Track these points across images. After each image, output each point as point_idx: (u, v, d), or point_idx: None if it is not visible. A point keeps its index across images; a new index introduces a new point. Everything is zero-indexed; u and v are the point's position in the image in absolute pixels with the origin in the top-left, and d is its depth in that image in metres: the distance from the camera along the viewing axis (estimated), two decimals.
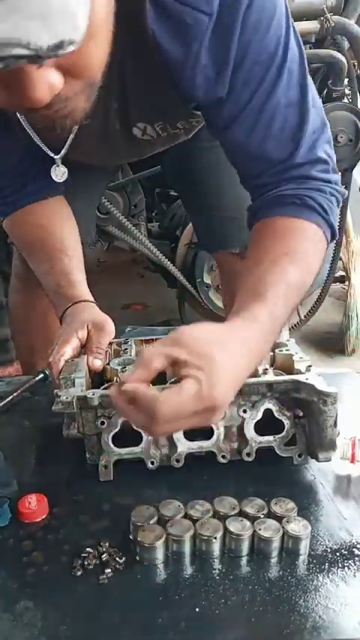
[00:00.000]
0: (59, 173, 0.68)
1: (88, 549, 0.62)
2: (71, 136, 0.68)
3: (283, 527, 0.62)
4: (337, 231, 0.76)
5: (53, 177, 0.68)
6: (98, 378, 0.84)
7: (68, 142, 0.68)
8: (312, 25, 1.68)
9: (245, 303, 0.65)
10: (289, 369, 0.78)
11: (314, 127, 0.74)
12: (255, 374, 0.77)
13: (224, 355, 0.56)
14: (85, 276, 0.93)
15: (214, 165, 1.10)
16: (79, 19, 0.47)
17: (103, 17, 0.52)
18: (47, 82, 0.49)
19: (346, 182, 1.83)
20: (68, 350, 0.79)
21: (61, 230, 0.94)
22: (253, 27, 0.66)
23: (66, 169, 0.66)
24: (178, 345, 0.56)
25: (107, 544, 0.63)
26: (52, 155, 0.64)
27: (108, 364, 0.82)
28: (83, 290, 0.90)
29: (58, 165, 0.66)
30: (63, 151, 0.66)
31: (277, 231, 0.73)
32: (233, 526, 0.62)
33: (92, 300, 0.88)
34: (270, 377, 0.74)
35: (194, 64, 0.67)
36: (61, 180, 0.69)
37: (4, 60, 0.44)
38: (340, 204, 0.77)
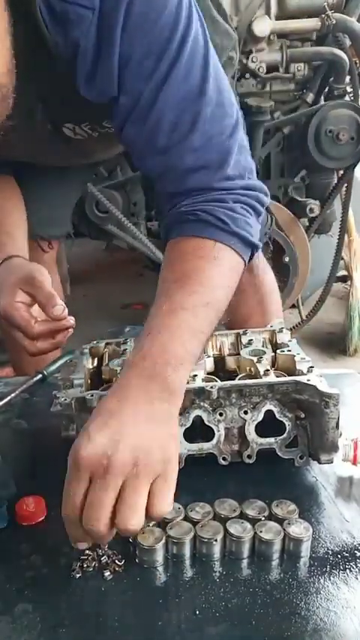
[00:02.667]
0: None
1: (87, 552, 0.62)
2: None
3: (284, 529, 0.61)
4: (251, 239, 0.71)
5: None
6: (97, 379, 0.84)
7: None
8: (313, 23, 1.68)
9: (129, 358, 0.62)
10: (290, 369, 0.78)
11: (215, 127, 0.68)
12: (256, 375, 0.76)
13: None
14: (18, 241, 0.89)
15: None
16: None
17: None
18: None
19: (348, 180, 1.82)
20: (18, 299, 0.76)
21: (4, 207, 0.92)
22: (139, 20, 0.61)
23: None
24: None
25: (106, 546, 0.62)
26: None
27: (107, 365, 0.82)
28: (8, 249, 0.86)
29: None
30: None
31: (173, 255, 0.69)
32: (234, 528, 0.61)
33: (20, 255, 0.85)
34: (271, 378, 0.73)
35: (85, 62, 0.64)
36: None
37: None
38: (258, 208, 0.73)
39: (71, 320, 0.77)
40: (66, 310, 0.75)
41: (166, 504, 0.54)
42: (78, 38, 0.62)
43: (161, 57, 0.64)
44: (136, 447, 0.52)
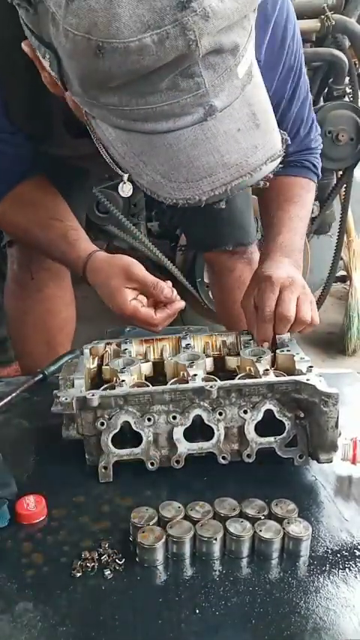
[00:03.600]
0: (126, 189, 0.72)
1: (87, 551, 0.62)
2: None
3: (283, 528, 0.61)
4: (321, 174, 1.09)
5: (120, 193, 0.73)
6: (98, 379, 0.84)
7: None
8: (313, 24, 1.67)
9: (265, 250, 0.98)
10: (290, 369, 0.78)
11: (310, 104, 1.01)
12: (256, 374, 0.76)
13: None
14: (83, 234, 0.97)
15: None
16: None
17: None
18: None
19: (347, 181, 1.82)
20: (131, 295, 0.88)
21: (48, 201, 0.97)
22: (289, 58, 0.89)
23: (132, 186, 0.70)
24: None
25: (107, 545, 0.63)
26: (120, 173, 0.67)
27: (107, 365, 0.82)
28: (83, 247, 0.94)
29: (125, 182, 0.69)
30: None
31: (281, 185, 1.01)
32: (233, 527, 0.62)
33: (93, 248, 0.94)
34: (271, 378, 0.73)
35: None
36: (127, 196, 0.74)
37: None
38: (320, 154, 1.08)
39: (182, 302, 0.90)
40: (174, 291, 0.89)
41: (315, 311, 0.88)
42: None
43: (294, 77, 0.94)
44: (299, 279, 0.87)
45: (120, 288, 0.86)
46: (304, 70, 0.96)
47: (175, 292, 0.88)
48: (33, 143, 0.92)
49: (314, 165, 1.06)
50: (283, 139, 0.63)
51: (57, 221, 0.95)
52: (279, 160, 0.62)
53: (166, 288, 0.87)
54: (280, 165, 0.84)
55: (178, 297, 0.88)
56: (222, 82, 0.56)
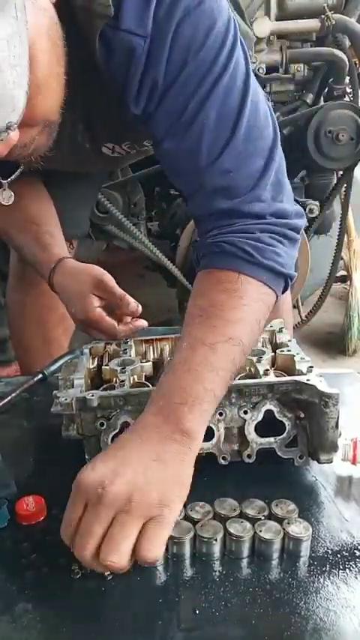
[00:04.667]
0: (5, 197, 0.68)
1: None
2: (19, 169, 0.68)
3: (283, 528, 0.61)
4: (280, 268, 0.68)
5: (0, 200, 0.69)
6: (97, 379, 0.84)
7: (17, 173, 0.68)
8: (313, 24, 1.68)
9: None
10: (290, 369, 0.78)
11: (249, 149, 0.68)
12: (256, 375, 0.76)
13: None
14: (59, 240, 0.94)
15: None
16: (17, 100, 0.50)
17: (47, 72, 0.55)
18: (5, 140, 0.52)
19: (348, 181, 1.82)
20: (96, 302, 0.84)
21: (28, 203, 0.96)
22: (185, 43, 0.64)
23: (12, 194, 0.67)
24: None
25: None
26: (1, 180, 0.65)
27: (107, 365, 0.82)
28: (55, 251, 0.92)
29: (4, 189, 0.67)
30: (10, 178, 0.66)
31: (197, 289, 0.70)
32: (234, 528, 0.61)
33: (66, 255, 0.91)
34: (271, 378, 0.73)
35: (136, 87, 0.67)
36: (8, 204, 0.69)
37: None
38: (290, 234, 0.71)
39: (144, 322, 0.85)
40: (140, 307, 0.83)
41: (155, 550, 0.52)
42: (129, 64, 0.65)
43: (204, 78, 0.65)
44: (134, 484, 0.52)
45: (88, 294, 0.85)
46: (242, 70, 0.69)
47: (140, 308, 0.84)
48: None
49: (245, 251, 0.67)
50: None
51: (33, 224, 0.95)
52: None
53: (133, 302, 0.84)
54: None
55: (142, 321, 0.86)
56: None
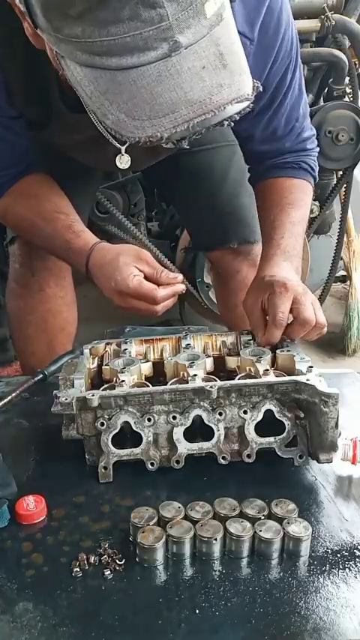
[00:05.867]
0: (124, 161, 0.72)
1: (87, 551, 0.62)
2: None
3: (283, 528, 0.61)
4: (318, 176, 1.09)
5: (118, 165, 0.73)
6: (98, 379, 0.84)
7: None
8: (313, 24, 1.67)
9: (267, 252, 0.97)
10: (290, 369, 0.78)
11: (305, 105, 1.00)
12: (256, 375, 0.76)
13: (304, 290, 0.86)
14: (87, 229, 0.98)
15: (205, 166, 1.12)
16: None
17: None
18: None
19: (348, 181, 1.82)
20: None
21: (52, 195, 0.99)
22: (283, 55, 0.89)
23: (129, 158, 0.71)
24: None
25: (107, 545, 0.63)
26: (118, 146, 0.67)
27: (107, 365, 0.82)
28: (89, 237, 0.96)
29: (122, 155, 0.70)
30: (127, 143, 0.69)
31: (281, 189, 1.02)
32: (233, 527, 0.62)
33: (97, 239, 0.96)
34: (271, 378, 0.73)
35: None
36: (126, 167, 0.73)
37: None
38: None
39: (182, 286, 0.92)
40: (180, 275, 0.92)
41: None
42: None
43: (289, 64, 0.92)
44: (303, 285, 0.88)
45: (128, 264, 0.87)
46: (300, 65, 0.96)
47: (180, 276, 0.90)
48: (33, 133, 0.93)
49: (312, 168, 1.05)
50: (254, 86, 0.62)
51: (62, 214, 0.97)
52: (247, 103, 0.61)
53: (172, 273, 0.90)
54: (275, 161, 1.02)
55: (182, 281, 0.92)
56: (187, 18, 0.55)
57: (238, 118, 0.63)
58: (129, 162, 0.71)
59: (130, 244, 0.98)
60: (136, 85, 0.58)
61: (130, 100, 0.59)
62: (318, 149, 1.08)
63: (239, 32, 0.67)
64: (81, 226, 0.97)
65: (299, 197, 1.02)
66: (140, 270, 0.88)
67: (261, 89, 0.64)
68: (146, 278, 0.88)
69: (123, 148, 0.67)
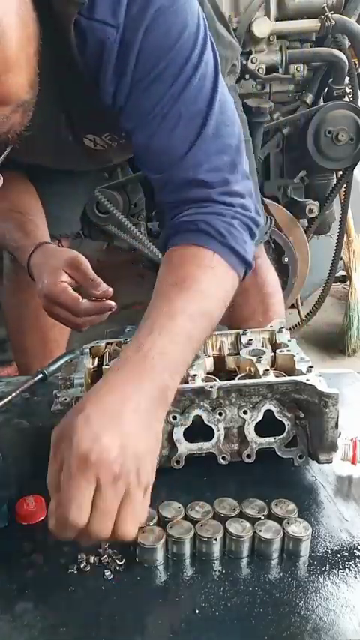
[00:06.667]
0: None
1: (87, 551, 0.62)
2: (8, 148, 0.68)
3: (283, 528, 0.61)
4: (246, 256, 0.72)
5: None
6: (98, 379, 0.84)
7: (4, 154, 0.68)
8: (313, 24, 1.68)
9: (123, 354, 0.62)
10: (290, 369, 0.78)
11: (220, 147, 0.72)
12: (256, 375, 0.76)
13: (89, 412, 0.54)
14: (42, 229, 0.95)
15: None
16: None
17: (16, 50, 0.54)
18: None
19: (348, 181, 1.82)
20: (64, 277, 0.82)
21: (12, 194, 0.97)
22: (157, 41, 0.66)
23: (1, 177, 0.66)
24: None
25: (107, 545, 0.63)
26: None
27: (107, 365, 0.82)
28: (38, 236, 0.92)
29: None
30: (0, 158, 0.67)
31: (172, 261, 0.71)
32: (233, 527, 0.61)
33: (47, 240, 0.92)
34: (271, 378, 0.73)
35: (107, 77, 0.68)
36: None
37: None
38: (254, 229, 0.75)
39: (113, 303, 0.83)
40: (110, 290, 0.81)
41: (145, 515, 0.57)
42: (102, 53, 0.66)
43: (176, 78, 0.68)
44: (138, 457, 0.53)
45: (58, 268, 0.84)
46: (210, 70, 0.71)
47: (110, 291, 0.82)
48: None
49: (220, 233, 0.70)
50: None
51: (17, 213, 0.96)
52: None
53: (104, 285, 0.82)
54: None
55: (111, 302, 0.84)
56: None
57: None
58: (0, 181, 0.65)
59: (71, 249, 0.89)
60: None
61: None
62: (246, 214, 0.73)
63: (97, 20, 0.62)
64: (32, 226, 0.95)
65: (192, 274, 0.67)
66: (71, 276, 0.84)
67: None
68: (77, 287, 0.84)
69: None
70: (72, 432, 0.53)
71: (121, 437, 0.53)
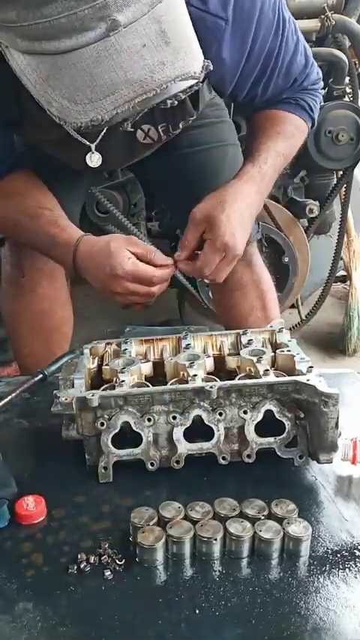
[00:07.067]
0: (95, 159, 0.72)
1: (87, 551, 0.62)
2: (105, 128, 0.71)
3: (283, 528, 0.61)
4: (315, 121, 1.05)
5: (88, 163, 0.72)
6: (98, 379, 0.84)
7: (102, 134, 0.71)
8: (313, 24, 1.67)
9: (243, 166, 0.95)
10: (290, 369, 0.78)
11: (306, 58, 0.97)
12: (256, 375, 0.76)
13: (229, 212, 0.86)
14: (68, 221, 0.98)
15: (196, 167, 1.12)
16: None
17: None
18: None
19: (348, 181, 1.82)
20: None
21: (35, 191, 0.98)
22: (265, 25, 0.86)
23: (100, 156, 0.71)
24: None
25: (107, 545, 0.63)
26: (87, 144, 0.67)
27: (107, 365, 0.82)
28: (75, 230, 0.95)
29: (93, 153, 0.69)
30: (97, 141, 0.69)
31: (274, 118, 0.99)
32: (233, 527, 0.61)
33: (85, 233, 0.95)
34: (271, 378, 0.73)
35: (214, 61, 0.71)
36: (96, 166, 0.73)
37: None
38: (322, 92, 1.04)
39: (171, 260, 0.92)
40: (169, 258, 0.92)
41: None
42: (209, 42, 0.74)
43: (277, 31, 0.90)
44: (244, 242, 0.91)
45: (121, 248, 0.87)
46: (290, 18, 0.93)
47: (170, 260, 0.90)
48: (12, 130, 0.93)
49: (310, 107, 1.01)
50: (204, 65, 0.60)
51: (46, 209, 0.96)
52: (193, 81, 0.60)
53: (161, 254, 0.89)
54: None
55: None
56: None
57: (183, 97, 0.61)
58: (99, 161, 0.70)
59: (112, 234, 0.98)
60: (76, 67, 0.56)
61: (72, 84, 0.58)
62: (322, 91, 1.04)
63: (212, 14, 0.71)
64: (66, 221, 0.96)
65: (290, 130, 0.99)
66: (132, 253, 0.87)
67: (211, 67, 0.62)
68: (146, 258, 0.88)
69: (93, 146, 0.66)
70: (219, 223, 0.86)
71: (244, 232, 0.88)
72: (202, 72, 0.60)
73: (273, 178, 0.97)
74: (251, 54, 0.89)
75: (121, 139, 0.86)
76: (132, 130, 0.84)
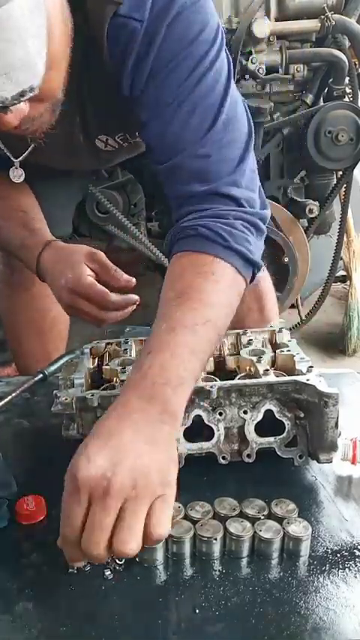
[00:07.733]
0: (17, 175, 0.72)
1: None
2: (32, 144, 0.71)
3: (283, 528, 0.61)
4: (250, 256, 0.70)
5: (11, 178, 0.72)
6: (98, 379, 0.84)
7: (28, 150, 0.72)
8: (313, 24, 1.68)
9: (129, 380, 0.61)
10: (290, 369, 0.78)
11: (229, 139, 0.72)
12: (256, 375, 0.76)
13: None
14: (46, 227, 0.94)
15: None
16: (39, 67, 0.54)
17: (59, 48, 0.58)
18: (16, 111, 0.56)
19: (347, 181, 1.82)
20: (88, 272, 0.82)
21: (14, 193, 0.96)
22: (178, 35, 0.67)
23: (23, 172, 0.70)
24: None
25: None
26: (12, 159, 0.67)
27: (107, 365, 0.82)
28: (44, 235, 0.92)
29: (16, 168, 0.70)
30: (22, 157, 0.70)
31: (173, 272, 0.69)
32: (233, 527, 0.62)
33: (54, 239, 0.91)
34: (271, 378, 0.73)
35: (129, 67, 0.70)
36: (19, 182, 0.73)
37: None
38: (260, 225, 0.73)
39: (136, 296, 0.83)
40: (133, 280, 0.82)
41: (165, 526, 0.53)
42: (127, 45, 0.68)
43: (193, 70, 0.69)
44: (135, 469, 0.52)
45: (81, 263, 0.84)
46: (231, 92, 0.72)
47: (133, 281, 0.83)
48: None
49: (219, 236, 0.68)
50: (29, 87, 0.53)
51: (20, 212, 0.95)
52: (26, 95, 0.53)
53: (125, 275, 0.83)
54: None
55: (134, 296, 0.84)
56: None
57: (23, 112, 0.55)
58: (22, 177, 0.69)
59: (83, 245, 0.89)
60: None
61: None
62: (250, 211, 0.72)
63: (129, 17, 0.64)
64: (38, 224, 0.94)
65: (190, 283, 0.65)
66: (92, 270, 0.84)
67: (34, 91, 0.54)
68: (98, 280, 0.83)
69: (17, 162, 0.67)
70: (73, 461, 0.54)
71: (115, 453, 0.52)
72: (34, 88, 0.54)
73: (176, 366, 0.59)
74: (152, 72, 0.69)
75: (79, 148, 0.86)
76: (89, 141, 0.85)
